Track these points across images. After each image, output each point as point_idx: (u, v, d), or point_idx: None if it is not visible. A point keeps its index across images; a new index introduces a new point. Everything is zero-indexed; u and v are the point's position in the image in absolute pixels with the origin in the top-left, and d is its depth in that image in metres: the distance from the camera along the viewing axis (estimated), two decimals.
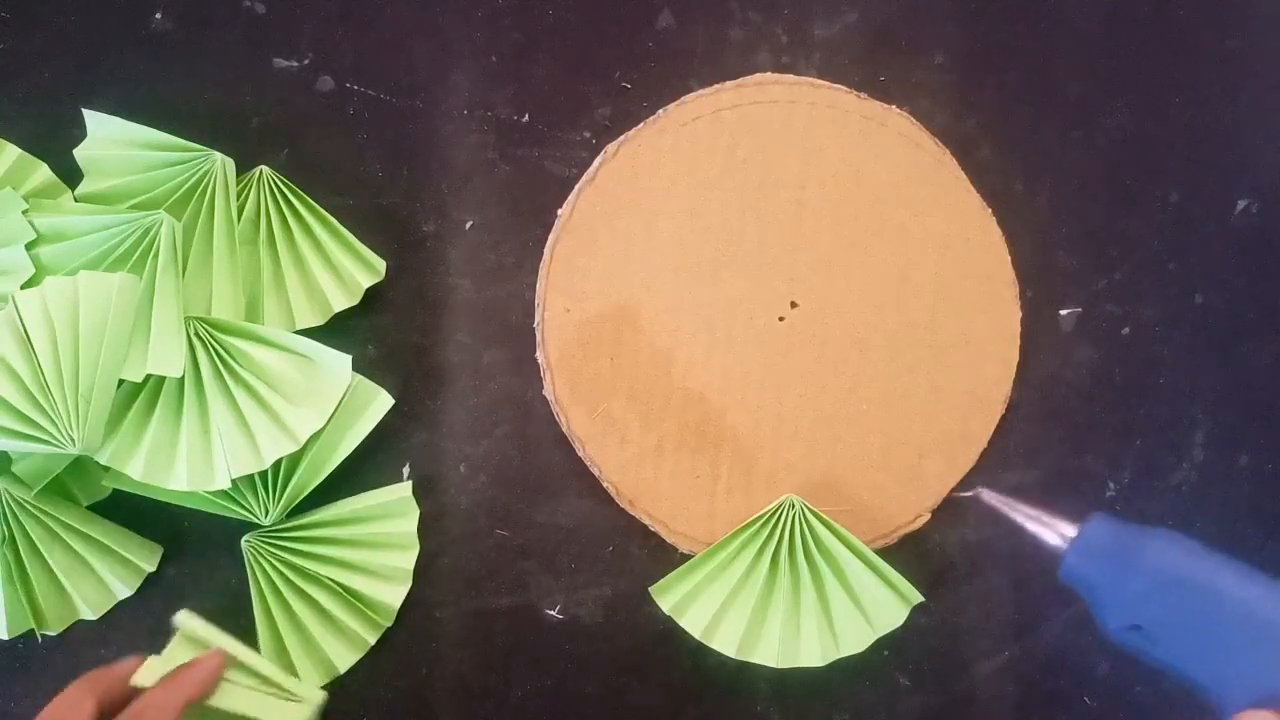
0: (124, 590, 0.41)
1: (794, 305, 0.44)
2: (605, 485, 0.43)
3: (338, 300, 0.43)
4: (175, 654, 0.34)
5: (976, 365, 0.44)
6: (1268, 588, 0.31)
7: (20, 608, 0.39)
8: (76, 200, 0.42)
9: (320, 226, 0.43)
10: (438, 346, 0.44)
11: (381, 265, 0.43)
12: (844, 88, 0.45)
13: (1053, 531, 0.34)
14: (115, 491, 0.41)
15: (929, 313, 0.44)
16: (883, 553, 0.43)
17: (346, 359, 0.40)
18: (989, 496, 0.38)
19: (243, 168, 0.43)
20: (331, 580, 0.41)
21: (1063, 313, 0.46)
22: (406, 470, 0.44)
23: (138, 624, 0.43)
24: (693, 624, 0.41)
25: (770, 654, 0.41)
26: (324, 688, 0.41)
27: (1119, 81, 0.47)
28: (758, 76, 0.45)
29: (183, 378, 0.39)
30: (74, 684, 0.31)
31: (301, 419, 0.39)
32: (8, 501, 0.39)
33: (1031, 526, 0.35)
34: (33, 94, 0.44)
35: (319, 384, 0.40)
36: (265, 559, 0.41)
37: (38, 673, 0.42)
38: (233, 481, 0.39)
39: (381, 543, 0.42)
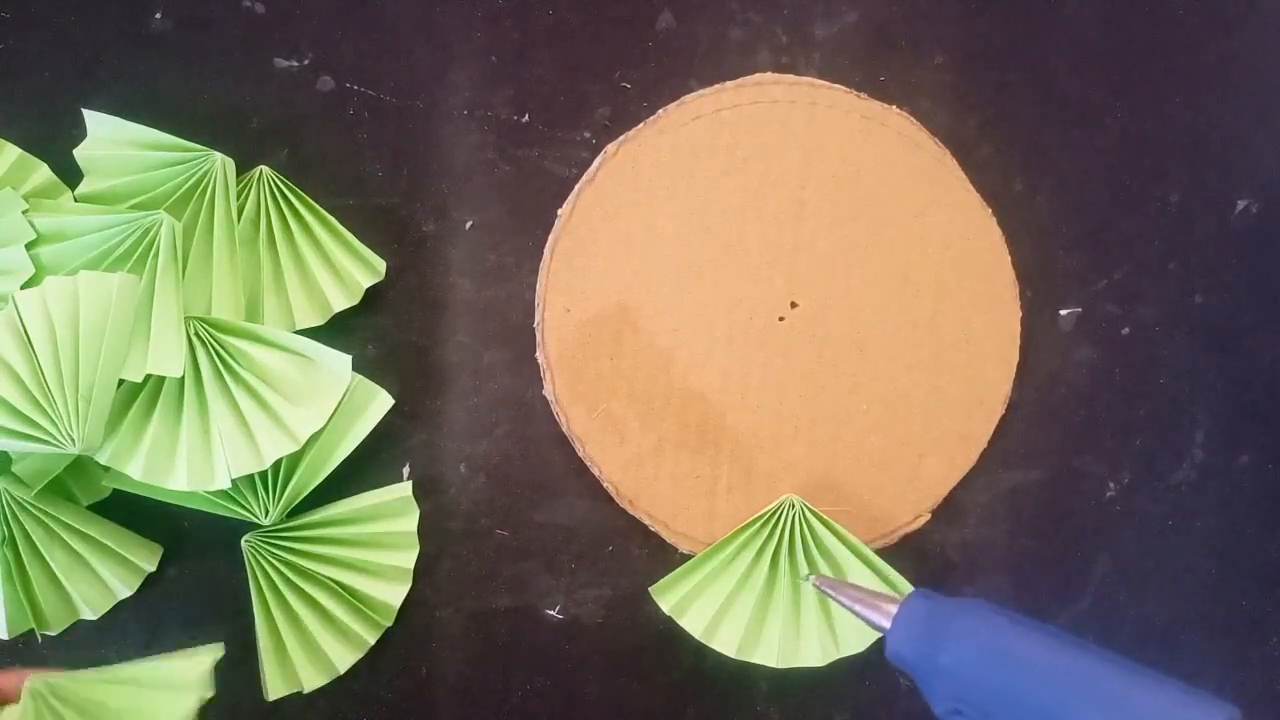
0: (124, 590, 0.41)
1: (794, 305, 0.44)
2: (605, 485, 0.43)
3: (338, 300, 0.43)
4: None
5: (976, 365, 0.44)
6: (1079, 658, 0.29)
7: (20, 608, 0.39)
8: (76, 200, 0.42)
9: (320, 226, 0.43)
10: (438, 346, 0.44)
11: (381, 265, 0.44)
12: (844, 88, 0.45)
13: (879, 613, 0.33)
14: (115, 491, 0.41)
15: (929, 313, 0.44)
16: (882, 553, 0.43)
17: (346, 359, 0.40)
18: (817, 581, 0.38)
19: (243, 168, 0.43)
20: (331, 580, 0.41)
21: (1063, 313, 0.46)
22: (406, 470, 0.44)
23: (138, 624, 0.43)
24: (693, 624, 0.41)
25: (770, 654, 0.41)
26: (324, 688, 0.41)
27: (1119, 81, 0.47)
28: (758, 76, 0.45)
29: (183, 378, 0.39)
30: None
31: (301, 419, 0.39)
32: (8, 501, 0.39)
33: (860, 609, 0.34)
34: (33, 94, 0.44)
35: (319, 384, 0.40)
36: (265, 559, 0.41)
37: None
38: (233, 481, 0.39)
39: (381, 543, 0.42)
